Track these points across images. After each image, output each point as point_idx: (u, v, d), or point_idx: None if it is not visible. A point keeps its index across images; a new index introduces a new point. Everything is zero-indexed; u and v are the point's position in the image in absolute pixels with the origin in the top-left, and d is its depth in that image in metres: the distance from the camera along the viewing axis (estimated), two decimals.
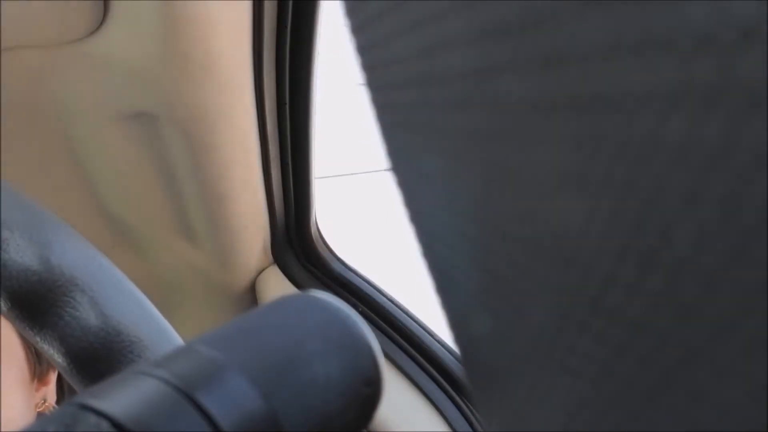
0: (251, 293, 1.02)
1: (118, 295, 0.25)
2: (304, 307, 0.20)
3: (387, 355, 0.85)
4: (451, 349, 0.85)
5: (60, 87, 0.70)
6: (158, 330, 0.26)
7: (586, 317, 0.09)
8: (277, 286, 0.98)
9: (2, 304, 0.24)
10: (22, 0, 0.58)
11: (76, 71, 0.67)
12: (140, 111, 0.73)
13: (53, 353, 0.25)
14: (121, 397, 0.16)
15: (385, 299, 0.91)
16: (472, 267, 0.12)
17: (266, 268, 1.00)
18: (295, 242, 0.97)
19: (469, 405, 0.82)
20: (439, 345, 0.87)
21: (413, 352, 0.86)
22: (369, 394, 0.19)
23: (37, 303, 0.24)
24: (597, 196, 0.08)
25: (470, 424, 0.80)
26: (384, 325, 0.89)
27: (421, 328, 0.88)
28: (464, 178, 0.11)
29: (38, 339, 0.25)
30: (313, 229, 0.97)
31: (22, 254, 0.24)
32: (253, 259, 0.96)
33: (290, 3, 0.69)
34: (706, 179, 0.07)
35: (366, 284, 0.94)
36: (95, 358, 0.24)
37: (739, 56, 0.06)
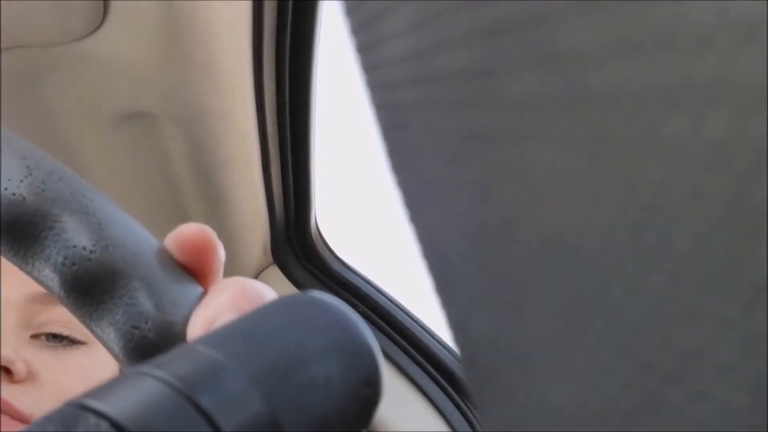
0: None
1: (173, 285, 0.24)
2: (304, 307, 0.20)
3: (387, 355, 0.85)
4: (451, 349, 0.85)
5: (59, 87, 0.70)
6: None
7: (587, 317, 0.09)
8: (277, 286, 0.98)
9: (58, 291, 0.24)
10: (22, 0, 0.58)
11: (75, 71, 0.67)
12: (140, 111, 0.73)
13: (107, 343, 0.24)
14: (120, 398, 0.16)
15: (385, 299, 0.91)
16: (472, 267, 0.12)
17: (266, 268, 1.00)
18: (295, 242, 0.97)
19: (469, 405, 0.82)
20: (439, 345, 0.87)
21: (413, 352, 0.86)
22: (369, 394, 0.19)
23: (93, 291, 0.23)
24: (597, 196, 0.08)
25: (470, 424, 0.80)
26: (384, 325, 0.89)
27: (421, 328, 0.88)
28: (464, 178, 0.11)
29: (96, 330, 0.24)
30: (313, 229, 0.97)
31: (77, 234, 0.24)
32: (253, 259, 0.96)
33: (290, 3, 0.69)
34: (706, 179, 0.06)
35: (366, 284, 0.94)
36: (155, 351, 0.23)
37: (739, 56, 0.06)
